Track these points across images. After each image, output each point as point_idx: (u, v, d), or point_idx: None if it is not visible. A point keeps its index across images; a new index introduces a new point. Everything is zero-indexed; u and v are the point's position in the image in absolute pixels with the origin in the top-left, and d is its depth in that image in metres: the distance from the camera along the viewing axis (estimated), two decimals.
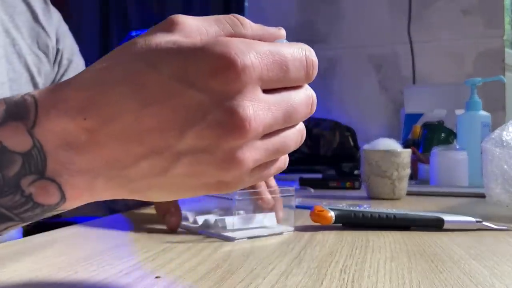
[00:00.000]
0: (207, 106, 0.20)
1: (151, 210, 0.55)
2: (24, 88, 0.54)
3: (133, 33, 1.72)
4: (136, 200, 0.49)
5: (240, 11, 1.76)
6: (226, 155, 0.21)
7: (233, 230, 0.39)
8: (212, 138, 0.21)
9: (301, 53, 0.23)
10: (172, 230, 0.42)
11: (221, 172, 0.22)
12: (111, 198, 0.24)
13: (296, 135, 0.24)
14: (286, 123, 0.23)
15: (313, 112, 0.25)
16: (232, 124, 0.20)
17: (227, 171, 0.22)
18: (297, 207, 0.58)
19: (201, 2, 1.82)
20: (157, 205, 0.45)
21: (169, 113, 0.20)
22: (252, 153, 0.22)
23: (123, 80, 0.21)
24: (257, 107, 0.21)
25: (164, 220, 0.42)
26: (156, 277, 0.26)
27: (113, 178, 0.22)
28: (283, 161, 0.25)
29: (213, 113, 0.20)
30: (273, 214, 0.43)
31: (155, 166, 0.21)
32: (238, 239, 0.37)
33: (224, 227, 0.39)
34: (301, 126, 0.25)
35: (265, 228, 0.42)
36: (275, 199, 0.45)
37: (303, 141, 0.25)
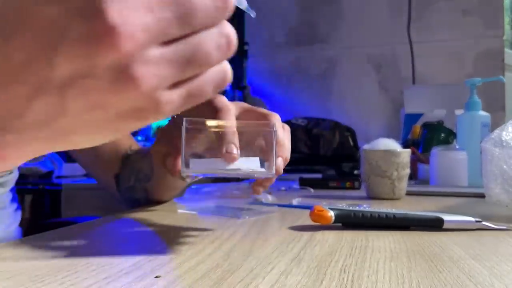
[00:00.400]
0: (64, 21, 0.17)
1: (151, 210, 0.55)
2: None
3: None
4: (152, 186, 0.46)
5: (240, 11, 1.76)
6: (113, 76, 0.18)
7: (194, 171, 0.32)
8: (84, 59, 0.17)
9: None
10: (173, 175, 0.39)
11: (119, 96, 0.19)
12: (42, 153, 0.22)
13: (215, 36, 0.20)
14: (187, 25, 0.18)
15: (233, 2, 0.20)
16: (96, 35, 0.17)
17: (126, 94, 0.18)
18: (297, 207, 0.59)
19: None
20: (155, 152, 0.42)
21: (31, 40, 0.18)
22: (149, 67, 0.18)
23: None
24: (126, 6, 0.17)
25: (166, 165, 0.40)
26: (156, 277, 0.26)
27: (20, 131, 0.20)
28: (223, 72, 0.21)
29: (72, 27, 0.17)
30: (256, 159, 0.34)
31: (48, 106, 0.19)
32: (187, 175, 0.31)
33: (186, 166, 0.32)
34: (223, 29, 0.20)
35: (235, 170, 0.32)
36: (267, 138, 0.34)
37: (232, 44, 0.20)
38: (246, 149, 0.33)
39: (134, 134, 1.94)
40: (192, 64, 0.20)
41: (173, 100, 0.20)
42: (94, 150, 0.60)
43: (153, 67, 0.18)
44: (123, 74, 0.18)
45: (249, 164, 0.33)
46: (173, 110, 0.21)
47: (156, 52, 0.19)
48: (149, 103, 0.19)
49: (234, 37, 0.21)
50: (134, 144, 0.62)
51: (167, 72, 0.19)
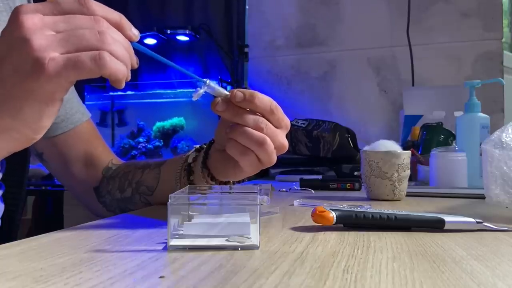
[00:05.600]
0: None
1: (154, 210, 0.55)
2: None
3: None
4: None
5: (241, 14, 1.76)
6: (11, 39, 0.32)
7: (189, 237, 0.34)
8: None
9: None
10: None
11: (14, 53, 0.31)
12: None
13: (88, 20, 0.33)
14: (67, 23, 0.32)
15: None
16: (11, 23, 0.32)
17: (20, 51, 0.31)
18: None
19: (202, 3, 1.82)
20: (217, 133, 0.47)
21: None
22: (42, 36, 0.31)
23: None
24: (34, 15, 0.32)
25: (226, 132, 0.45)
26: (160, 277, 0.26)
27: None
28: (97, 54, 0.32)
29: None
30: (246, 215, 0.36)
31: None
32: (173, 245, 0.33)
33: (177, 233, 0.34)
34: (94, 28, 0.32)
35: (222, 238, 0.34)
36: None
37: (104, 29, 0.33)
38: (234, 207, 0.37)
39: (137, 135, 1.95)
40: (71, 42, 0.32)
41: (56, 58, 0.32)
42: (68, 168, 0.62)
43: (45, 36, 0.32)
44: (23, 39, 0.31)
45: (238, 221, 0.35)
46: (57, 70, 0.31)
47: (48, 32, 0.32)
48: (37, 60, 0.31)
49: (104, 32, 0.33)
50: (114, 159, 0.65)
51: (54, 41, 0.32)
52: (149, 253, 0.32)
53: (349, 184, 0.87)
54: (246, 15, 1.75)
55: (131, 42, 0.36)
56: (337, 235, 0.39)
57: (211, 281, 0.26)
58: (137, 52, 0.37)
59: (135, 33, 0.36)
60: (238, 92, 0.41)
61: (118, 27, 0.35)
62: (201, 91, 0.41)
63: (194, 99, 0.41)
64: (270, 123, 0.43)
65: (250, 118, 0.42)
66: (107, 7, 0.35)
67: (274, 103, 0.43)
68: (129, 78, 0.35)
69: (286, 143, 0.44)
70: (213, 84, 0.41)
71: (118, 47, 0.33)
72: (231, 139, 0.43)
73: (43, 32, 0.32)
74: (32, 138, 0.36)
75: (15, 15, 0.32)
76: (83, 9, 0.33)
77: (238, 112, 0.42)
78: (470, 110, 0.91)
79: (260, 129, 0.42)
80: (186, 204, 0.36)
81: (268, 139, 0.42)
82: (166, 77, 1.90)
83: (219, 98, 0.42)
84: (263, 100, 0.42)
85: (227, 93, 0.42)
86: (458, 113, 1.04)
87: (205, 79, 0.41)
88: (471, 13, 1.42)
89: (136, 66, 0.36)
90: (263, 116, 0.42)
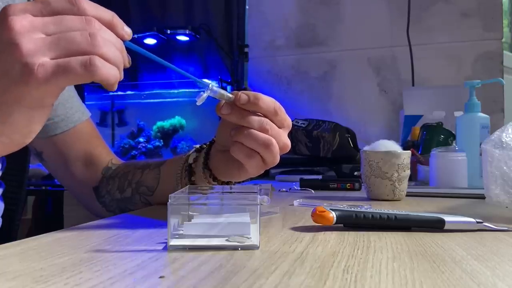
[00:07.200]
0: None
1: (153, 210, 0.55)
2: None
3: (135, 36, 1.72)
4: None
5: (241, 14, 1.76)
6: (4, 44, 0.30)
7: (189, 237, 0.34)
8: None
9: None
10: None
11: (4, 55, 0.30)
12: None
13: (79, 21, 0.31)
14: (58, 25, 0.31)
15: None
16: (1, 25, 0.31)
17: (9, 55, 0.30)
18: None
19: (202, 4, 1.82)
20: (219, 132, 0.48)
21: None
22: (31, 40, 0.30)
23: None
24: (24, 17, 0.31)
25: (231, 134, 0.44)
26: (160, 277, 0.26)
27: None
28: (87, 58, 0.31)
29: None
30: (246, 215, 0.36)
31: None
32: (173, 246, 0.33)
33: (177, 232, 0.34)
34: (85, 30, 0.31)
35: (222, 238, 0.34)
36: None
37: (95, 31, 0.32)
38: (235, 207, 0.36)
39: (137, 135, 1.95)
40: (61, 45, 0.31)
41: (45, 63, 0.31)
42: (67, 168, 0.62)
43: (34, 40, 0.31)
44: (12, 43, 0.30)
45: (238, 221, 0.35)
46: (46, 76, 0.30)
47: (38, 35, 0.31)
48: (26, 65, 0.30)
49: (95, 34, 0.32)
50: (114, 159, 0.65)
51: (44, 45, 0.31)
52: (149, 253, 0.32)
53: (349, 184, 0.87)
54: (246, 15, 1.74)
55: (124, 41, 0.35)
56: (337, 235, 0.39)
57: (211, 281, 0.26)
58: (134, 51, 0.36)
59: (127, 31, 0.35)
60: (243, 95, 0.41)
61: (110, 27, 0.33)
62: (205, 95, 0.41)
63: (198, 103, 0.41)
64: (274, 123, 0.43)
65: (255, 120, 0.42)
66: (98, 6, 0.34)
67: (277, 103, 0.43)
68: (122, 78, 0.34)
69: (289, 142, 0.44)
70: (216, 87, 0.41)
71: (109, 48, 0.32)
72: (236, 142, 0.43)
73: (32, 36, 0.31)
74: (22, 142, 0.35)
75: (3, 16, 0.31)
76: (74, 9, 0.32)
77: (243, 115, 0.42)
78: (470, 110, 0.91)
79: (265, 130, 0.42)
80: (186, 204, 0.36)
81: (273, 140, 0.42)
82: (166, 77, 1.90)
83: (223, 101, 0.42)
84: (267, 101, 0.42)
85: (231, 96, 0.42)
86: (458, 113, 1.04)
87: (207, 81, 0.41)
88: (471, 13, 1.42)
89: (128, 65, 0.35)
90: (267, 117, 0.42)
